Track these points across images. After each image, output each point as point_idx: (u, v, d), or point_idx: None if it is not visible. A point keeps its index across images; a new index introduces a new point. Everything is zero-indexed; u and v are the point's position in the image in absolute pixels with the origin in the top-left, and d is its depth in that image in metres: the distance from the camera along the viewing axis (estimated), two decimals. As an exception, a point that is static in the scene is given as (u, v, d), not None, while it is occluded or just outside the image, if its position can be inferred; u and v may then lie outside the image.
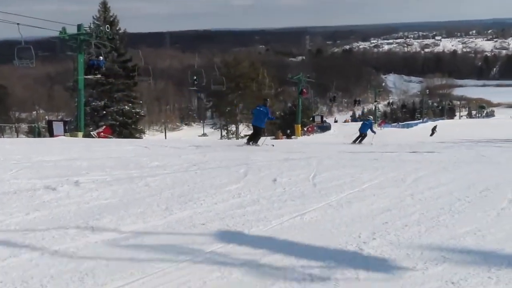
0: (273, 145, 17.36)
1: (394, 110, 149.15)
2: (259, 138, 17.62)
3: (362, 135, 24.50)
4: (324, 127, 55.07)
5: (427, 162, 10.40)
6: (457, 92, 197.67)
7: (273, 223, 4.70)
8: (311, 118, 58.72)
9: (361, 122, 30.06)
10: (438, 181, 7.42)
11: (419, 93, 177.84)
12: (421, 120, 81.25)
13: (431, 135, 43.79)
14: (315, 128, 52.67)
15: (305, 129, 50.29)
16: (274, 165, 9.08)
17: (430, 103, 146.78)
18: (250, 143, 17.31)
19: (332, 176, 7.72)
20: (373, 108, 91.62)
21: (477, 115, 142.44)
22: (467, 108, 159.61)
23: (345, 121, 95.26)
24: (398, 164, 10.02)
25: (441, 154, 13.24)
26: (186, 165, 8.73)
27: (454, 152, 14.67)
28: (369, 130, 24.75)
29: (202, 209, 5.27)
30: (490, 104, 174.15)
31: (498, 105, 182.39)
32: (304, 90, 47.39)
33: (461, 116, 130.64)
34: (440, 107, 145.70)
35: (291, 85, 67.09)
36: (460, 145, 19.90)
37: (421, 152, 13.77)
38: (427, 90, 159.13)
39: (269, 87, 57.17)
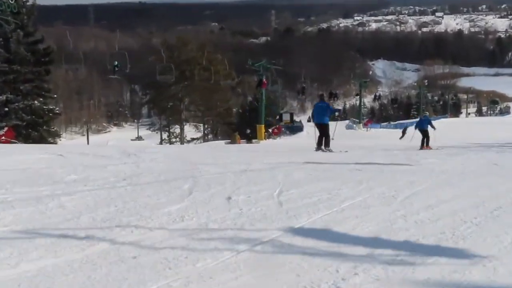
0: (346, 151, 17.79)
1: (384, 106, 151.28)
2: (329, 138, 18.58)
3: (424, 134, 25.42)
4: (294, 128, 55.36)
5: (425, 173, 10.51)
6: (463, 83, 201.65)
7: (226, 255, 4.66)
8: (278, 117, 58.90)
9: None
10: (438, 197, 7.50)
11: (415, 84, 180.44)
12: (418, 119, 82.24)
13: (401, 137, 45.94)
14: (282, 129, 52.95)
15: (270, 130, 50.48)
16: (228, 178, 9.08)
17: (430, 97, 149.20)
18: (322, 147, 18.08)
19: (303, 193, 7.74)
20: (357, 104, 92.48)
21: (489, 112, 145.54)
22: (476, 103, 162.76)
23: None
24: (387, 175, 10.11)
25: (443, 163, 13.43)
26: (114, 179, 8.67)
27: (460, 159, 14.91)
28: (428, 126, 26.31)
29: (133, 237, 5.21)
30: (504, 98, 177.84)
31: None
32: (265, 80, 47.47)
33: (469, 113, 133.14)
34: (442, 102, 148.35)
35: (252, 74, 66.94)
36: (467, 150, 20.22)
37: (417, 160, 13.93)
38: (426, 81, 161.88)
39: (227, 77, 57.15)
